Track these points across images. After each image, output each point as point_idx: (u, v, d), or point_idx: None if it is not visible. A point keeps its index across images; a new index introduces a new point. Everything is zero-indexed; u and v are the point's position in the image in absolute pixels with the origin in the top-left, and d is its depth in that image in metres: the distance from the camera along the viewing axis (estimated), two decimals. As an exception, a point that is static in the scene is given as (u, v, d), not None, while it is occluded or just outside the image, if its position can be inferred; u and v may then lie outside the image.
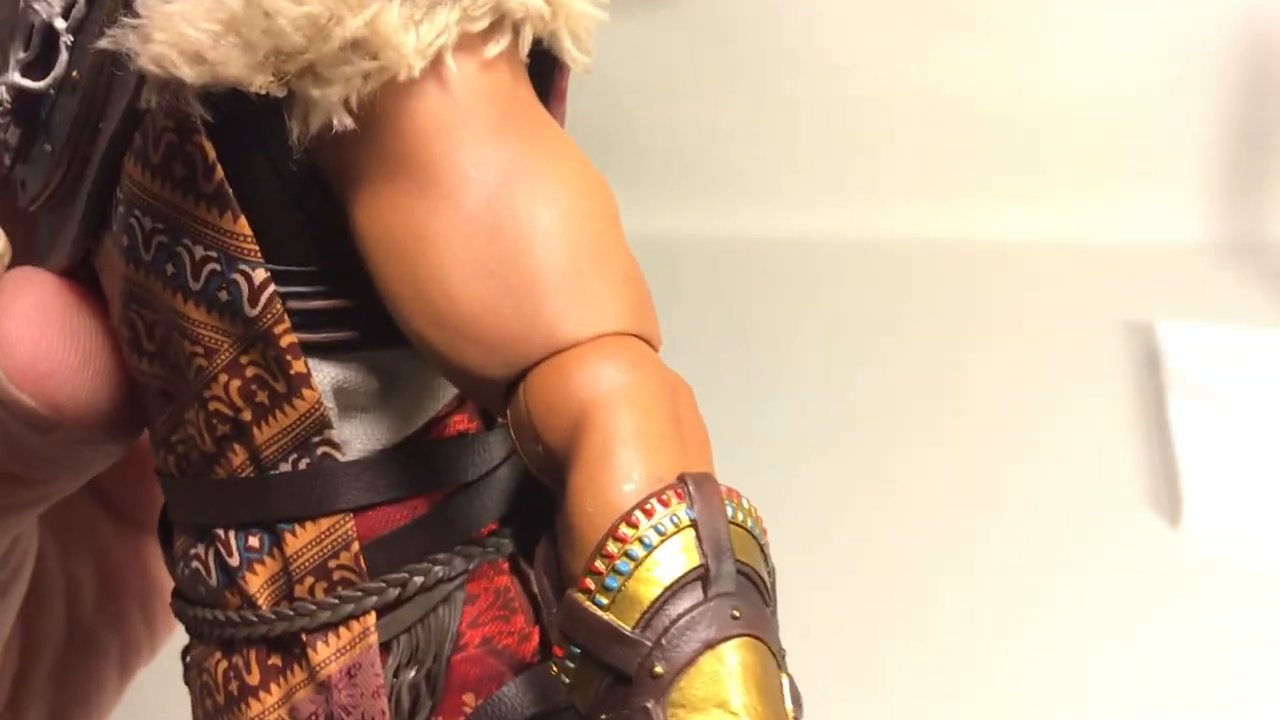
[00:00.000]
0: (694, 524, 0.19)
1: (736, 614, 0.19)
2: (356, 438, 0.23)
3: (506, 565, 0.24)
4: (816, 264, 1.00)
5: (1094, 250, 1.05)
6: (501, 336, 0.21)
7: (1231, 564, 0.71)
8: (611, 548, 0.19)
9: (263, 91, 0.20)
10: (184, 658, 0.26)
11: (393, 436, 0.23)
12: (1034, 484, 0.76)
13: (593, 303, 0.21)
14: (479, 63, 0.21)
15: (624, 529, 0.19)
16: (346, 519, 0.23)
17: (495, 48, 0.21)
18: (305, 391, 0.22)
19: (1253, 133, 1.06)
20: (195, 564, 0.24)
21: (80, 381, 0.24)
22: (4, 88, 0.23)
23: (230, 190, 0.21)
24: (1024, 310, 0.97)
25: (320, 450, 0.23)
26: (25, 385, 0.24)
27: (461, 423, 0.24)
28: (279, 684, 0.23)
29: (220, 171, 0.21)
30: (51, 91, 0.23)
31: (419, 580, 0.23)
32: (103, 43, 0.21)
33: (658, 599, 0.19)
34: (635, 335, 0.21)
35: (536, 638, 0.24)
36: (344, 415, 0.23)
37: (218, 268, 0.22)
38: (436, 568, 0.23)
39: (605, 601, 0.19)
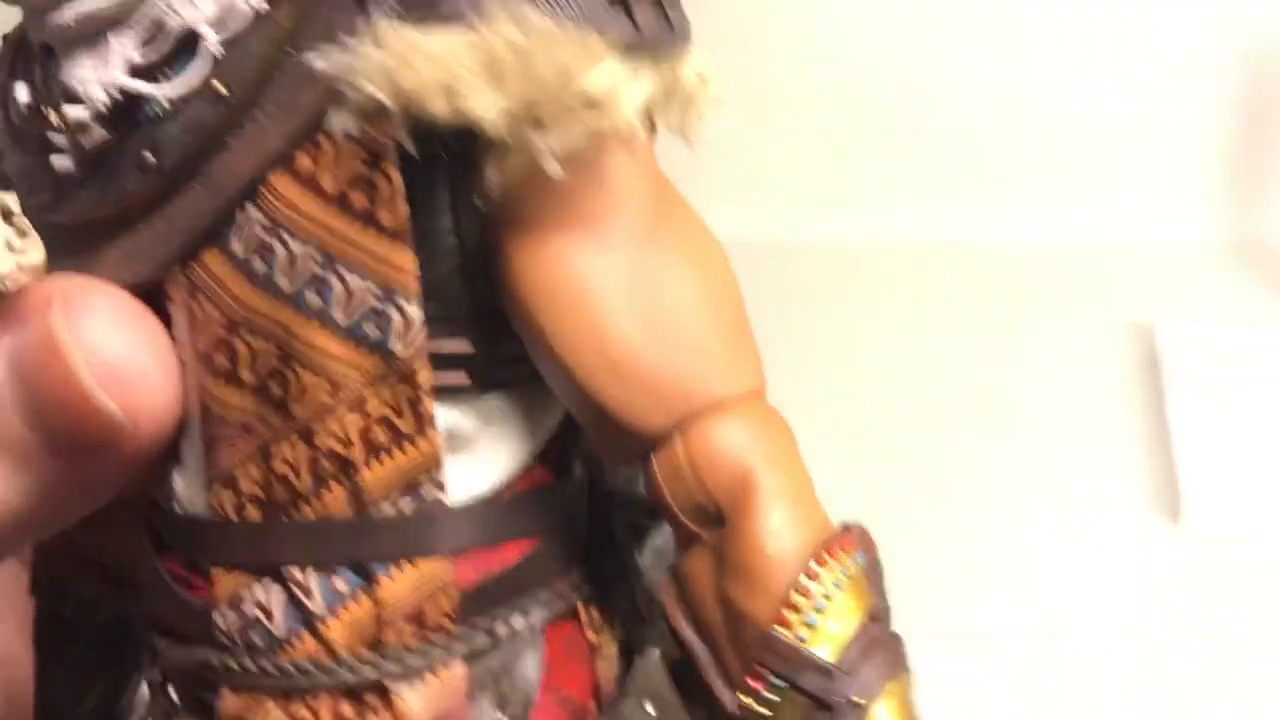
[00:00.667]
0: (864, 569, 0.22)
1: (899, 648, 0.23)
2: (458, 482, 0.23)
3: (573, 613, 0.25)
4: (816, 265, 1.00)
5: (1094, 250, 1.05)
6: (674, 389, 0.22)
7: (1231, 563, 0.71)
8: (808, 586, 0.22)
9: (492, 132, 0.20)
10: (174, 707, 0.25)
11: (491, 482, 0.24)
12: (1034, 483, 0.76)
13: (742, 363, 0.23)
14: (650, 130, 0.23)
15: (816, 568, 0.22)
16: (447, 563, 0.23)
17: (664, 117, 0.23)
18: (430, 433, 0.22)
19: (1253, 133, 1.06)
20: (252, 610, 0.23)
21: (161, 393, 0.23)
22: (97, 87, 0.22)
23: (410, 225, 0.21)
24: (1024, 310, 0.97)
25: (427, 493, 0.23)
26: (111, 389, 0.22)
27: (542, 474, 0.25)
28: None
29: (406, 205, 0.21)
30: (167, 100, 0.22)
31: (506, 629, 0.23)
32: (319, 63, 0.21)
33: (854, 635, 0.22)
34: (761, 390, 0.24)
35: (592, 687, 0.25)
36: (448, 458, 0.23)
37: (376, 303, 0.22)
38: (523, 616, 0.24)
39: (806, 636, 0.21)
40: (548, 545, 0.24)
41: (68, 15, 0.22)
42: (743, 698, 0.22)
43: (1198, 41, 1.04)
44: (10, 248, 0.24)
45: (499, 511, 0.24)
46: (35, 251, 0.24)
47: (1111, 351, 0.92)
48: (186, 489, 0.24)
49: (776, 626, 0.21)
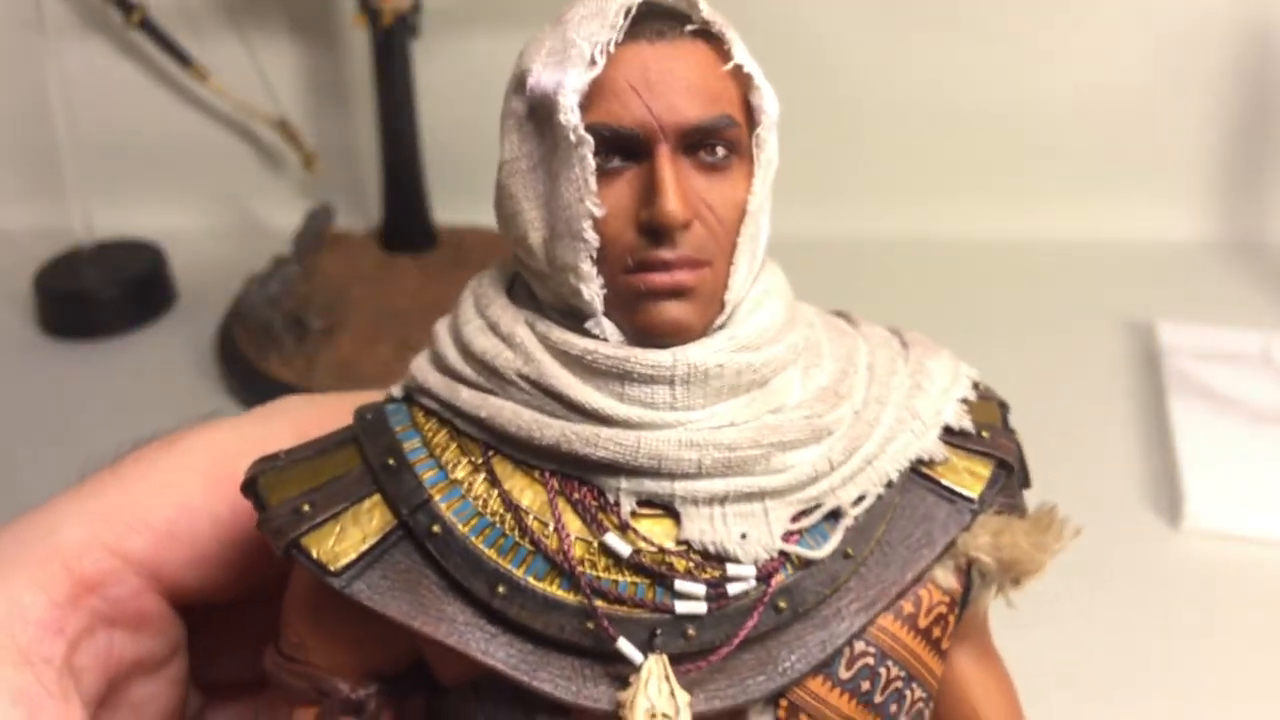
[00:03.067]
0: None
1: None
2: None
3: None
4: (816, 264, 1.00)
5: (1094, 250, 1.05)
6: None
7: (1231, 563, 0.71)
8: None
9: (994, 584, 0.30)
10: None
11: None
12: (1034, 482, 0.76)
13: None
14: None
15: None
16: None
17: None
18: None
19: (1253, 133, 1.06)
20: None
21: None
22: (761, 551, 0.27)
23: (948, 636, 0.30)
24: (1024, 310, 0.97)
25: None
26: None
27: None
28: None
29: (952, 631, 0.30)
30: (808, 559, 0.28)
31: None
32: (966, 543, 0.30)
33: None
34: None
35: None
36: None
37: (921, 705, 0.29)
38: None
39: None
40: None
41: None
42: None
43: (1198, 42, 1.04)
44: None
45: None
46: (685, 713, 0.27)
47: (1111, 351, 0.92)
48: None
49: None
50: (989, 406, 0.33)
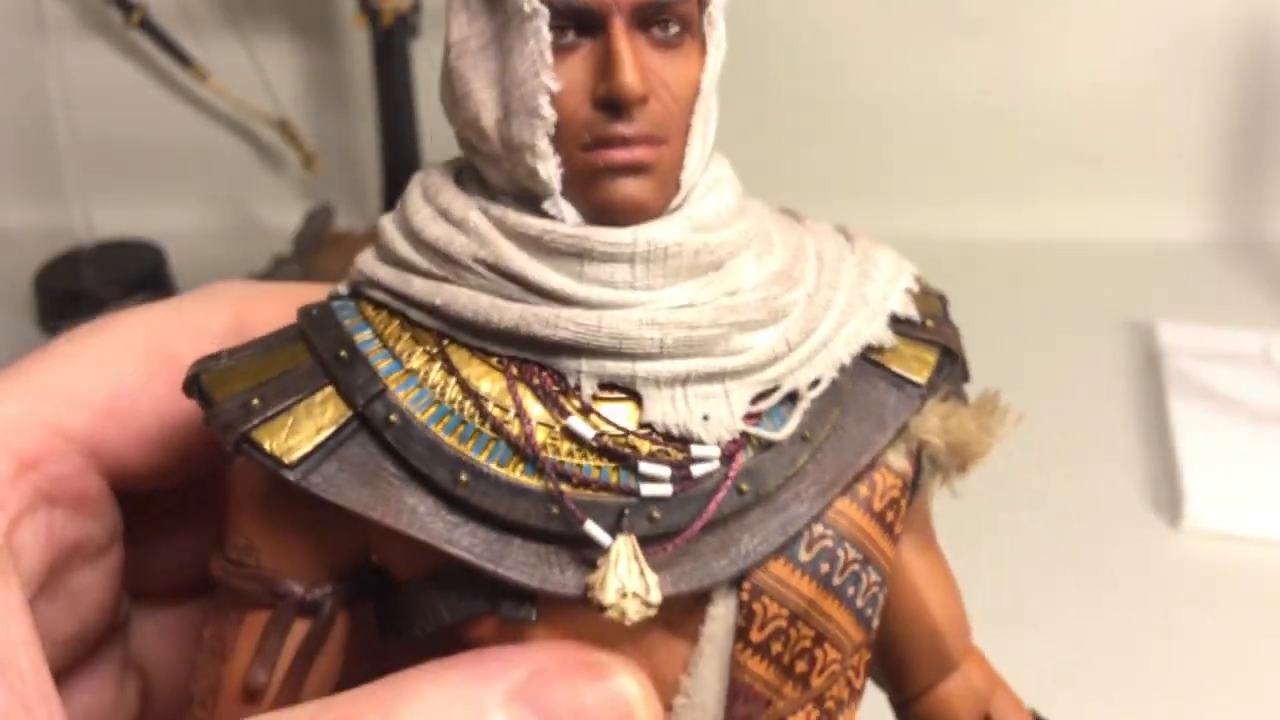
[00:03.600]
0: None
1: None
2: None
3: None
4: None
5: (1094, 250, 1.05)
6: (969, 637, 0.34)
7: (1231, 563, 0.71)
8: None
9: (946, 469, 0.31)
10: None
11: None
12: (1034, 483, 0.76)
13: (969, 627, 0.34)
14: None
15: None
16: None
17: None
18: (859, 692, 0.31)
19: (1253, 133, 1.06)
20: None
21: None
22: (724, 432, 0.27)
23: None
24: (1024, 310, 0.97)
25: None
26: None
27: None
28: None
29: (904, 514, 0.30)
30: (768, 440, 0.28)
31: None
32: (916, 426, 0.30)
33: None
34: None
35: None
36: None
37: (876, 589, 0.29)
38: None
39: None
40: None
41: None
42: None
43: (1198, 42, 1.04)
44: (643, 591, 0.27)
45: None
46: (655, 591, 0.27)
47: (1111, 351, 0.92)
48: None
49: None
50: (930, 299, 0.34)
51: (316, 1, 1.07)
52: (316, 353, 0.28)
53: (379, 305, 0.29)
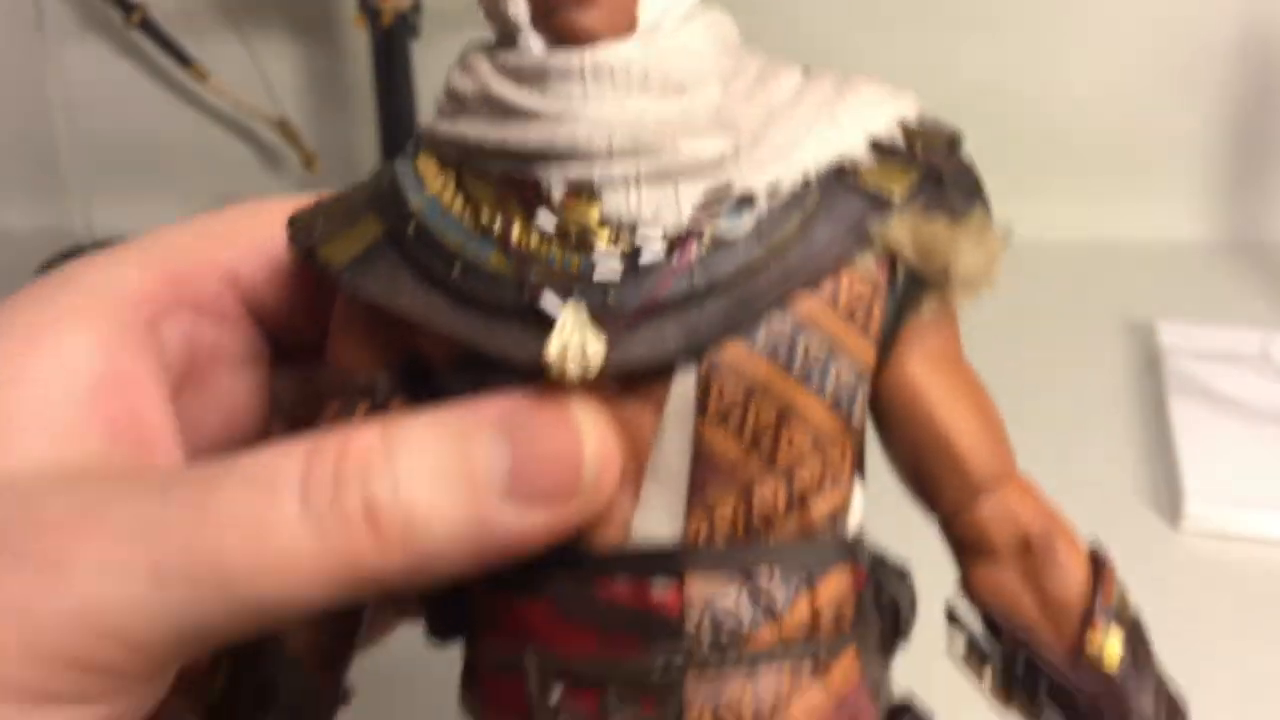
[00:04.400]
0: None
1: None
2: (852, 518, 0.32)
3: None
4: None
5: (1094, 250, 1.05)
6: (1006, 463, 0.33)
7: (1231, 563, 0.71)
8: (1115, 605, 0.36)
9: (939, 287, 0.31)
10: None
11: (852, 523, 0.32)
12: (1033, 482, 0.76)
13: (1010, 448, 0.33)
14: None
15: (1116, 591, 0.36)
16: (853, 573, 0.32)
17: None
18: (854, 476, 0.31)
19: (1253, 133, 1.07)
20: (724, 609, 0.30)
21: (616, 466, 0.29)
22: (671, 223, 0.29)
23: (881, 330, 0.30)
24: (1024, 310, 0.97)
25: (844, 522, 0.31)
26: (599, 500, 0.29)
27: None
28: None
29: (880, 318, 0.30)
30: (721, 239, 0.29)
31: (864, 631, 0.32)
32: (883, 234, 0.30)
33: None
34: None
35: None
36: None
37: (850, 383, 0.30)
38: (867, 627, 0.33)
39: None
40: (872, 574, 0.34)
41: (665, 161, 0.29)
42: (1089, 642, 0.34)
43: (1198, 42, 1.04)
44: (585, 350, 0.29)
45: (861, 544, 0.33)
46: (598, 346, 0.28)
47: (1111, 351, 0.92)
48: (645, 525, 0.30)
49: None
50: (933, 136, 0.34)
51: (316, 2, 1.08)
52: (371, 190, 0.33)
53: (428, 152, 0.33)
